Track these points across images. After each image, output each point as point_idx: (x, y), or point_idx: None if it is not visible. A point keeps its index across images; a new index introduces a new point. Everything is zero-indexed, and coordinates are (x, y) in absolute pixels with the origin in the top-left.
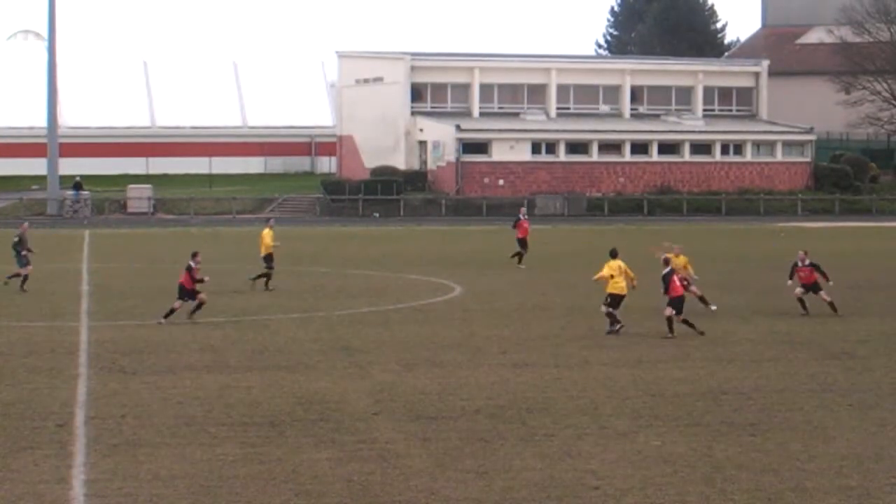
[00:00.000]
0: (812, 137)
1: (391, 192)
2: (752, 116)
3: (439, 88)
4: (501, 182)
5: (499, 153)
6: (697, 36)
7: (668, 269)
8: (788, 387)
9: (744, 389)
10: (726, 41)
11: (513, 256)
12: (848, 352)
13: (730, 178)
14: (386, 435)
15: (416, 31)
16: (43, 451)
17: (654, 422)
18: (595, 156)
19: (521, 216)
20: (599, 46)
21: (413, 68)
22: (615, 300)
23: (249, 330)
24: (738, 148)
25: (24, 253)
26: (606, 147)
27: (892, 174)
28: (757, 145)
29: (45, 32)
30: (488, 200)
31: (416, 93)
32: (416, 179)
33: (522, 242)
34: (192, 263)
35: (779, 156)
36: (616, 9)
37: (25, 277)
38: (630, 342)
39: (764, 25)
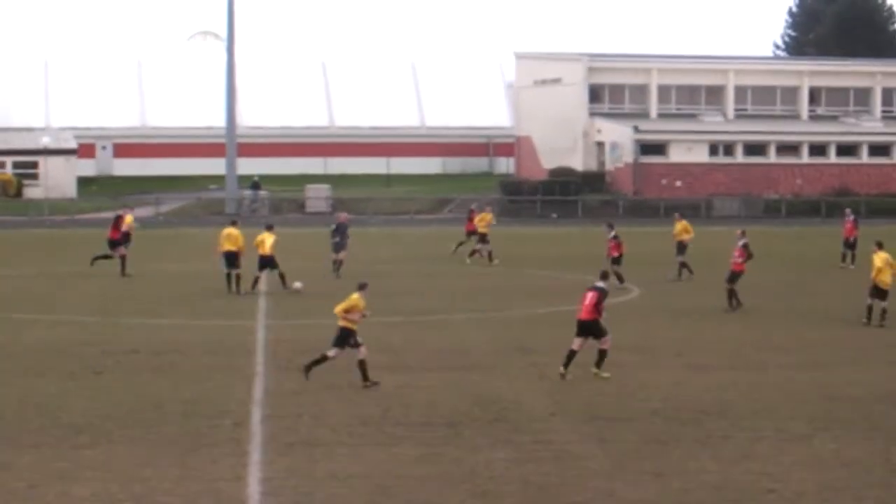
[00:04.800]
0: None
1: (569, 193)
2: None
3: (617, 89)
4: (679, 183)
5: (676, 154)
6: (876, 36)
7: None
8: None
9: None
10: None
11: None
12: None
13: None
14: (563, 436)
15: (594, 32)
16: (220, 448)
17: (830, 425)
18: (773, 157)
19: (847, 216)
20: (777, 47)
21: (590, 69)
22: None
23: (427, 330)
24: None
25: (336, 240)
26: (784, 149)
27: None
28: None
29: (223, 33)
30: (666, 202)
31: (594, 94)
32: (594, 180)
33: (847, 243)
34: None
35: None
36: (794, 9)
37: (338, 263)
38: (808, 345)
39: None
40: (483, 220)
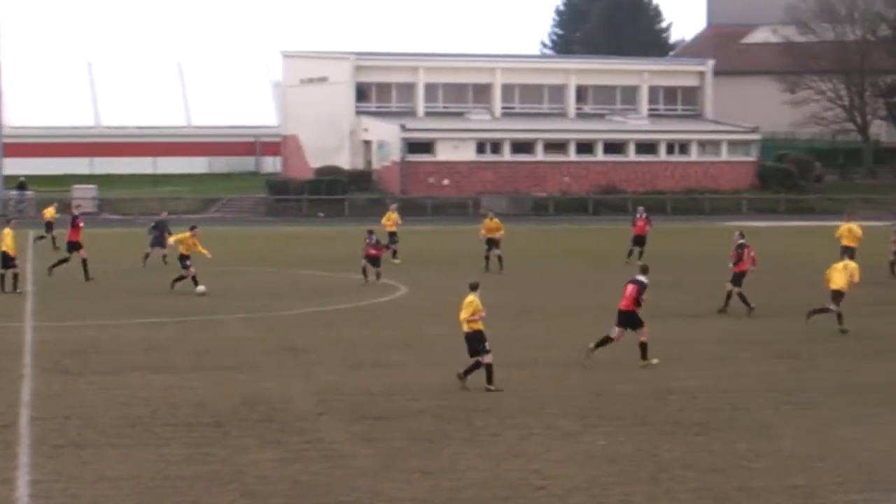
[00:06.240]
0: (757, 137)
1: (336, 192)
2: (697, 116)
3: (384, 88)
4: (446, 182)
5: (444, 153)
6: (642, 35)
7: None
8: (735, 386)
9: (690, 389)
10: (671, 41)
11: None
12: (794, 351)
13: (675, 177)
14: (331, 435)
15: (361, 31)
16: None
17: (599, 421)
18: (540, 155)
19: (638, 214)
20: (544, 46)
21: (357, 68)
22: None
23: (194, 330)
24: (684, 147)
25: (155, 235)
26: (551, 146)
27: (837, 173)
28: (702, 145)
29: None
30: (433, 200)
31: (361, 92)
32: (361, 179)
33: (638, 240)
34: None
35: (724, 155)
36: (561, 8)
37: (146, 255)
38: (577, 342)
39: (709, 25)
40: (390, 220)
